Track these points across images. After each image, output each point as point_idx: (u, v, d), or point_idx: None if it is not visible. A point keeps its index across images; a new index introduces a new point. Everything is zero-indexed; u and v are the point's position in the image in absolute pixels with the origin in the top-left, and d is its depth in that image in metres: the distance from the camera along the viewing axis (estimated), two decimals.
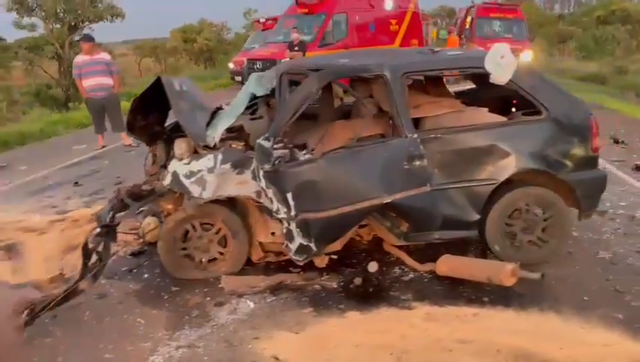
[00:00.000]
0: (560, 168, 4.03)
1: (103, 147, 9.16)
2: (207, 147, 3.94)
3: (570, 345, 3.17)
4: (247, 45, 18.65)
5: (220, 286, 3.96)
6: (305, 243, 3.82)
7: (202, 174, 3.84)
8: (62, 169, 8.10)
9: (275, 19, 17.18)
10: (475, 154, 3.97)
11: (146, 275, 4.26)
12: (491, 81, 4.04)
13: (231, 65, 18.21)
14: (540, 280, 3.67)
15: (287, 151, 3.69)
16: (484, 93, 4.80)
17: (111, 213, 3.88)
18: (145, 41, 34.92)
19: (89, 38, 9.30)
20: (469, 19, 18.70)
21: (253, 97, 4.61)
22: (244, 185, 3.88)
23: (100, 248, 3.71)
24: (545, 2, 35.30)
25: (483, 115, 4.23)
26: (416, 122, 4.23)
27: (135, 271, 4.32)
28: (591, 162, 4.15)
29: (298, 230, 3.79)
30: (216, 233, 4.06)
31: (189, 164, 3.88)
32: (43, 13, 20.62)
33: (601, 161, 7.39)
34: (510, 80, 4.00)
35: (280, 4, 15.35)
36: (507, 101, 4.75)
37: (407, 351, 3.14)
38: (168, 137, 4.46)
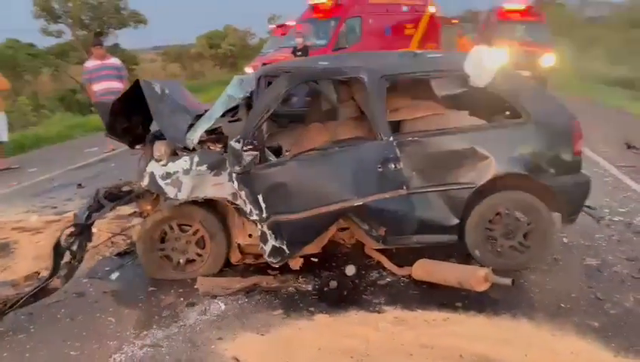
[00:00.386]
0: (541, 172, 3.94)
1: (113, 150, 9.35)
2: (186, 149, 3.98)
3: (537, 352, 3.11)
4: (264, 50, 18.81)
5: (195, 287, 3.98)
6: (277, 246, 3.82)
7: (178, 176, 3.87)
8: (70, 171, 8.30)
9: (284, 26, 17.33)
10: (453, 157, 3.91)
11: (126, 275, 4.31)
12: (470, 83, 3.99)
13: (248, 70, 18.37)
14: (511, 286, 3.60)
15: (256, 153, 3.69)
16: (478, 96, 4.72)
17: (87, 212, 3.94)
18: (172, 48, 35.47)
19: (100, 43, 9.50)
20: (491, 21, 18.44)
21: (248, 99, 4.62)
22: (220, 187, 3.89)
23: (74, 247, 3.76)
24: (580, 6, 34.69)
25: (463, 118, 4.17)
26: (397, 125, 4.20)
27: (116, 271, 4.37)
28: (574, 166, 4.04)
29: (270, 232, 3.79)
30: (194, 234, 4.09)
31: (165, 165, 3.92)
32: (69, 20, 21.28)
33: (607, 166, 7.33)
34: (489, 83, 3.94)
35: (304, 9, 15.46)
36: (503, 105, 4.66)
37: (368, 355, 3.12)
38: (159, 139, 4.51)
